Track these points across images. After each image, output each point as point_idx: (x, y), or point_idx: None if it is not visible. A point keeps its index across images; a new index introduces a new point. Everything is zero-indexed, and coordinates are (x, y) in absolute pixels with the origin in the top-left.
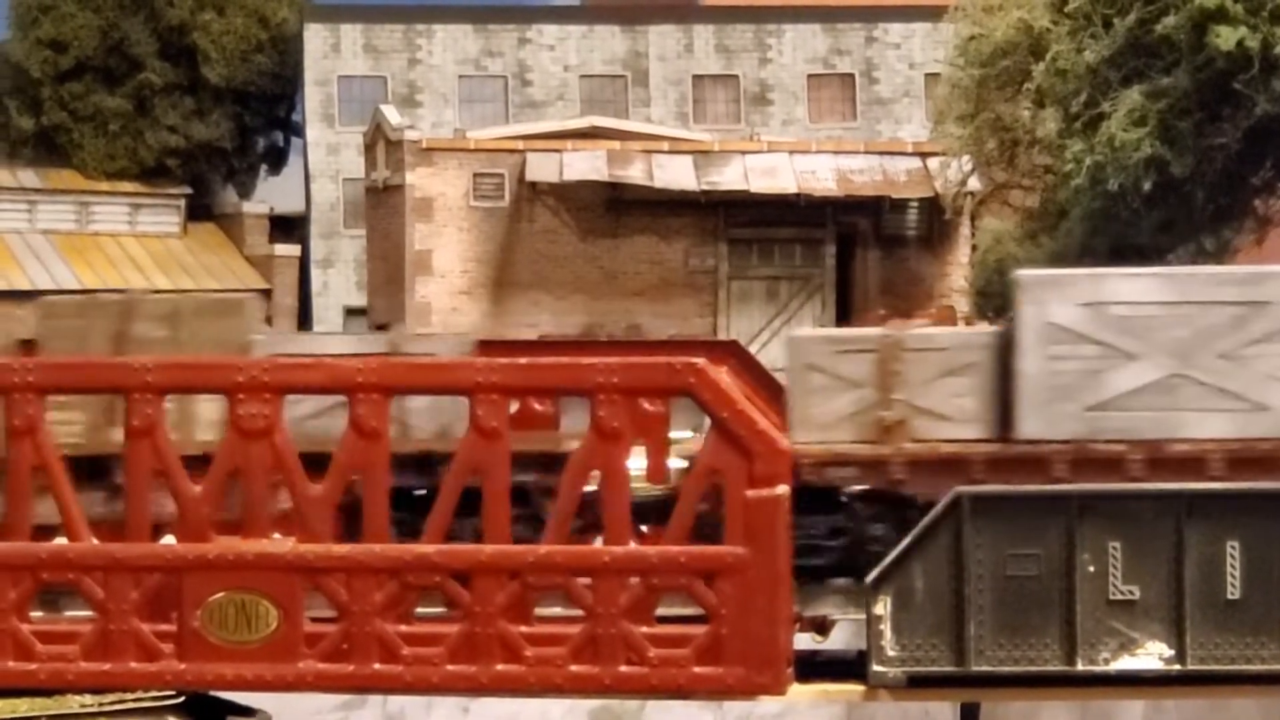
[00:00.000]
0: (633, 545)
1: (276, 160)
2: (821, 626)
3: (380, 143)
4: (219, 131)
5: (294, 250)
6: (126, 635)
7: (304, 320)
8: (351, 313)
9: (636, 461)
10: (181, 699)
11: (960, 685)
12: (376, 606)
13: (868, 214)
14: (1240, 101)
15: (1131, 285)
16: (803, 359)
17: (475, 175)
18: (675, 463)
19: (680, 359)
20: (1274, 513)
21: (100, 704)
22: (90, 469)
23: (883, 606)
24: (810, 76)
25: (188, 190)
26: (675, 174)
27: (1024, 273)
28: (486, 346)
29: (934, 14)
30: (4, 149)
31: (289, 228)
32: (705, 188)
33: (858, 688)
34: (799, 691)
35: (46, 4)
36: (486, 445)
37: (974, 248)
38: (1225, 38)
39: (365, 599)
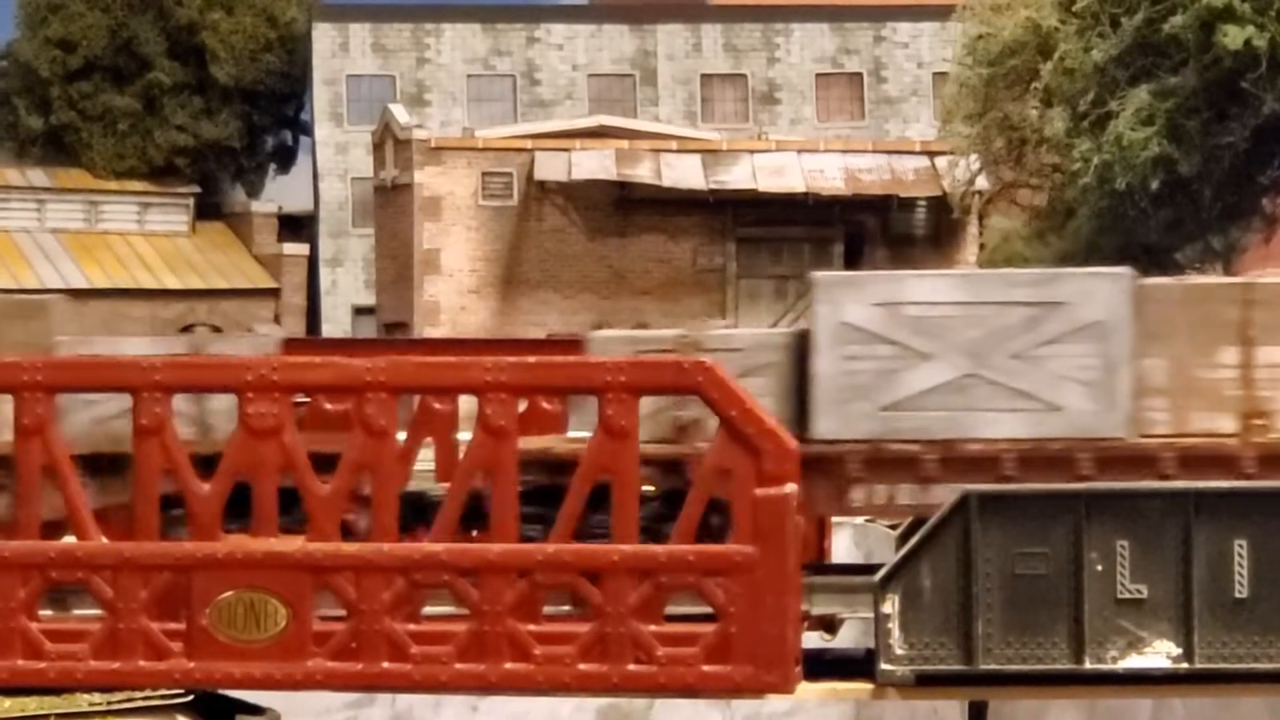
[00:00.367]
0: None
1: (285, 159)
2: (830, 625)
3: (389, 142)
4: (228, 131)
5: (302, 249)
6: (135, 634)
7: (313, 319)
8: (360, 311)
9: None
10: (190, 697)
11: (968, 684)
12: (385, 605)
13: (876, 213)
14: (1248, 100)
15: (926, 286)
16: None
17: (484, 174)
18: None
19: (690, 358)
20: None
21: (109, 702)
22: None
23: (891, 605)
24: (818, 76)
25: (196, 189)
26: (683, 173)
27: (819, 274)
28: (292, 345)
29: (942, 13)
30: (13, 148)
31: (297, 227)
32: (713, 187)
33: (866, 686)
34: (807, 690)
35: (55, 3)
36: (495, 444)
37: (982, 246)
38: (1233, 37)
39: (374, 598)
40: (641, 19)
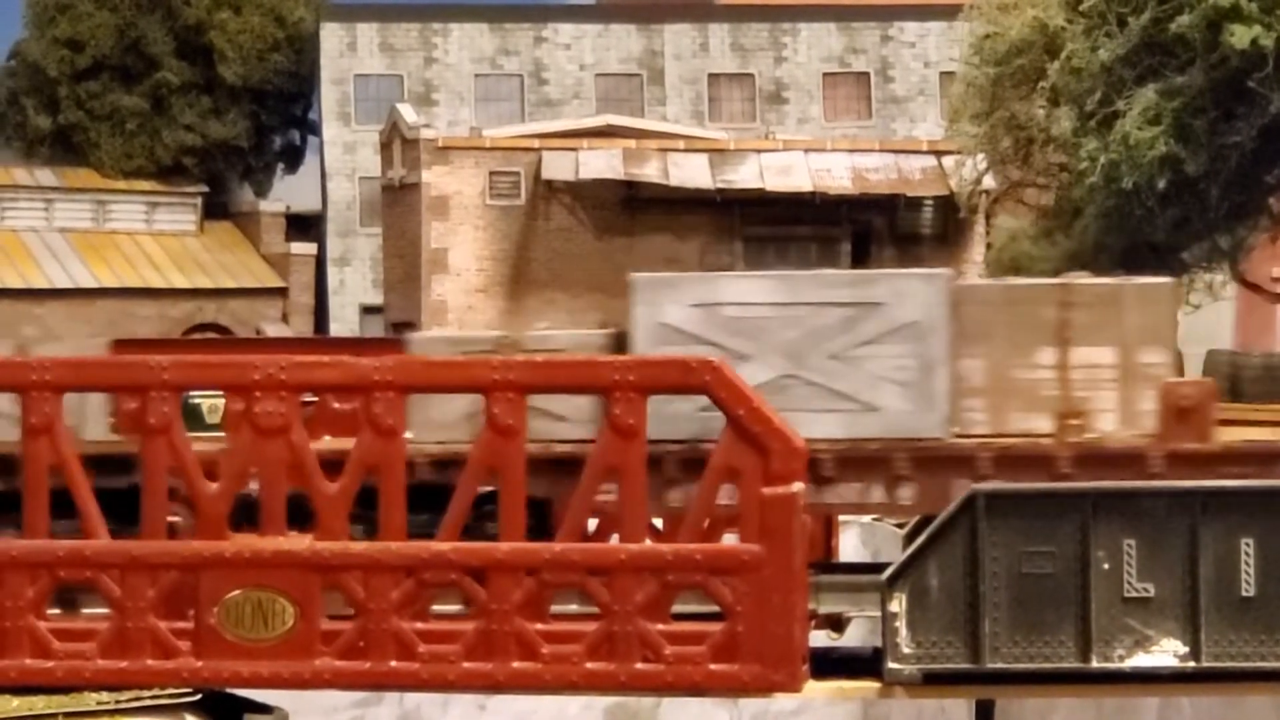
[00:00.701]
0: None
1: (293, 159)
2: (837, 624)
3: (396, 141)
4: (235, 130)
5: (310, 249)
6: (143, 633)
7: (320, 318)
8: (368, 310)
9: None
10: (198, 696)
11: (975, 682)
12: (393, 604)
13: (883, 212)
14: (1254, 100)
15: (743, 287)
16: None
17: (491, 173)
18: None
19: (693, 357)
20: None
21: (117, 701)
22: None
23: (898, 604)
24: (826, 75)
25: (204, 189)
26: (691, 172)
27: (637, 275)
28: (121, 345)
29: (949, 13)
30: (21, 148)
31: (305, 226)
32: (721, 186)
33: (873, 685)
34: (814, 688)
35: (63, 3)
36: (502, 444)
37: (989, 246)
38: (1239, 36)
39: (382, 597)
40: (649, 19)
